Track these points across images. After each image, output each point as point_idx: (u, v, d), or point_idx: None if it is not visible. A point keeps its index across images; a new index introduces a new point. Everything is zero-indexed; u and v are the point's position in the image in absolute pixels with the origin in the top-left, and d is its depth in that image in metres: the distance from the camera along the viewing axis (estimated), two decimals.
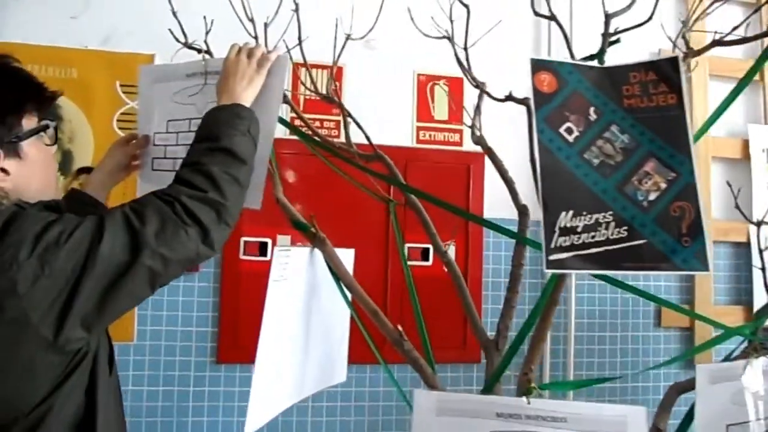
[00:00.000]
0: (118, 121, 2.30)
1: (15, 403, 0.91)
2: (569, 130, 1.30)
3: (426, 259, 2.51)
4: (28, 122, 1.02)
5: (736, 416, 1.41)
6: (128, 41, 2.31)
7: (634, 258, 1.22)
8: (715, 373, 1.43)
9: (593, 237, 1.23)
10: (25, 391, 0.92)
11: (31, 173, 1.02)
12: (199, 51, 1.36)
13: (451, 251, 2.58)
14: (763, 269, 1.59)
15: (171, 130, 1.47)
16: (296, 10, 1.89)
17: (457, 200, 2.49)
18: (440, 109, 2.55)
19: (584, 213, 1.24)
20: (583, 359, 2.66)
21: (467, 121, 1.97)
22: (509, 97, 1.22)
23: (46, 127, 1.06)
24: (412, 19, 2.09)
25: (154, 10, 2.41)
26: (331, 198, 2.35)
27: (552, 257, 1.21)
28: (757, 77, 2.86)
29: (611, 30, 1.37)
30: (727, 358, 1.52)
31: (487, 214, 2.54)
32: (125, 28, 2.32)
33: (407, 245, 2.52)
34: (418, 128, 2.53)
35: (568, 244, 1.22)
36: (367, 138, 1.87)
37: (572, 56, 1.38)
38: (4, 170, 0.96)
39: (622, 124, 1.31)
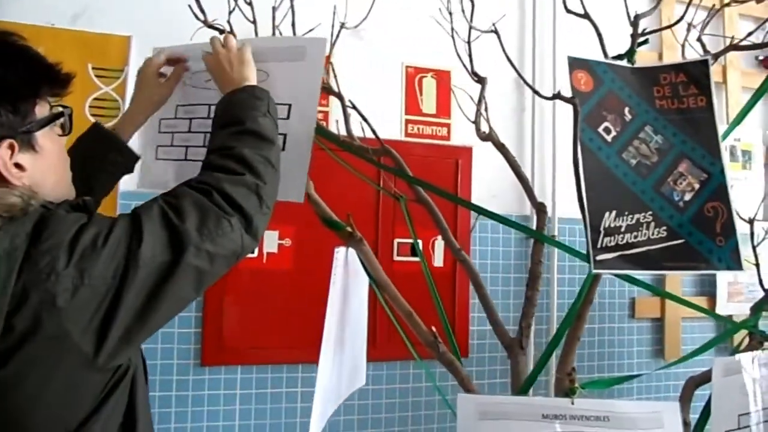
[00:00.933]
0: (90, 107, 2.12)
1: (55, 428, 0.81)
2: (607, 130, 1.30)
3: (415, 254, 2.48)
4: (41, 110, 0.89)
5: (745, 406, 1.47)
6: (101, 20, 2.13)
7: (673, 258, 1.23)
8: (729, 365, 1.47)
9: (635, 237, 1.24)
10: (66, 414, 0.82)
11: (47, 168, 0.89)
12: (222, 31, 1.26)
13: (439, 247, 2.57)
14: (757, 265, 1.66)
15: (181, 116, 1.36)
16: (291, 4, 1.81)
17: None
18: (428, 102, 2.51)
19: (626, 213, 1.24)
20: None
21: (470, 116, 1.94)
22: (557, 96, 1.20)
23: (61, 114, 0.92)
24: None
25: None
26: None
27: (599, 257, 1.20)
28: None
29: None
30: (734, 351, 1.58)
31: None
32: (97, 6, 2.13)
33: (396, 240, 2.48)
34: (407, 121, 2.49)
35: (613, 244, 1.22)
36: (373, 131, 1.81)
37: (605, 55, 1.37)
38: (19, 166, 0.84)
39: (655, 124, 1.32)
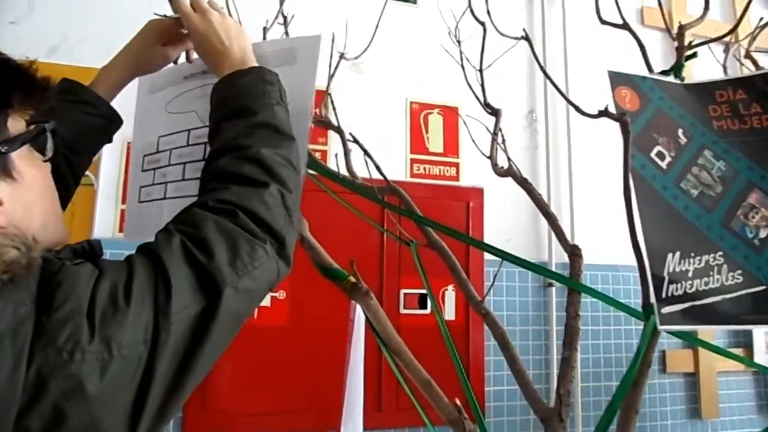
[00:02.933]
0: None
1: None
2: (661, 155, 1.09)
3: (424, 306, 2.23)
4: (15, 125, 0.66)
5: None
6: (80, 52, 1.96)
7: (756, 308, 1.00)
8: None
9: (706, 284, 1.01)
10: None
11: (32, 202, 0.67)
12: None
13: (450, 297, 2.33)
14: None
15: (163, 148, 1.15)
16: (285, 24, 1.65)
17: (455, 240, 2.25)
18: (435, 140, 2.32)
19: (692, 254, 1.02)
20: (590, 412, 2.43)
21: (485, 152, 1.75)
22: (603, 113, 1.00)
23: (42, 131, 0.70)
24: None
25: (110, 14, 2.11)
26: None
27: (665, 310, 0.97)
28: None
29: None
30: None
31: (488, 255, 2.30)
32: (76, 37, 1.97)
33: (402, 291, 2.24)
34: (412, 161, 2.29)
35: (680, 293, 0.99)
36: (378, 168, 1.61)
37: (650, 70, 1.18)
38: None
39: (714, 148, 1.12)
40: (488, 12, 1.43)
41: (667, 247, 1.01)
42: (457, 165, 2.36)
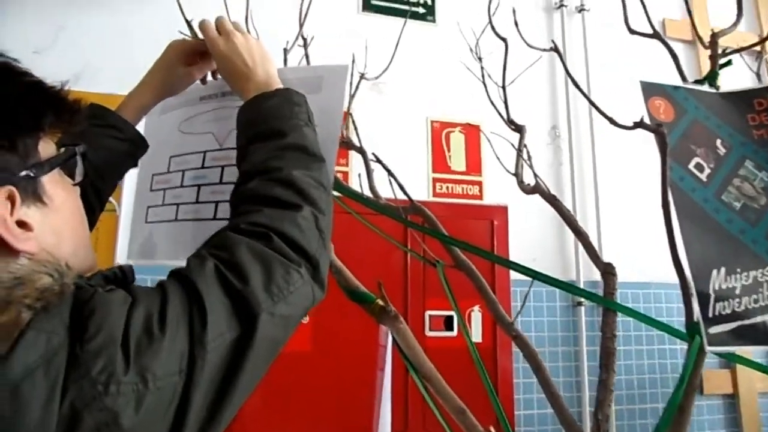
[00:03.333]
0: None
1: None
2: (699, 167, 1.04)
3: (450, 328, 2.18)
4: (46, 148, 0.64)
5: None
6: (103, 79, 1.97)
7: None
8: None
9: (756, 302, 0.95)
10: None
11: (62, 226, 0.65)
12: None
13: (477, 318, 2.27)
14: None
15: (174, 169, 1.14)
16: (305, 46, 1.64)
17: (481, 259, 2.20)
18: (457, 158, 2.29)
19: (738, 270, 0.96)
20: None
21: (509, 169, 1.72)
22: (639, 124, 0.95)
23: (73, 155, 0.68)
24: None
25: (129, 44, 2.14)
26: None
27: (713, 330, 0.91)
28: None
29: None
30: None
31: (515, 274, 2.25)
32: (98, 65, 1.99)
33: (428, 312, 2.19)
34: (434, 180, 2.26)
35: (728, 312, 0.93)
36: (401, 187, 1.58)
37: (683, 79, 1.14)
38: (23, 224, 0.59)
39: (756, 158, 1.07)
40: (516, 23, 1.40)
41: (711, 263, 0.96)
42: (480, 183, 2.32)
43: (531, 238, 2.30)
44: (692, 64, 2.62)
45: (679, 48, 2.76)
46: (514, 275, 2.25)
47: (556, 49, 1.12)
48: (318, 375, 1.98)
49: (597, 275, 2.38)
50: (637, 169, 2.52)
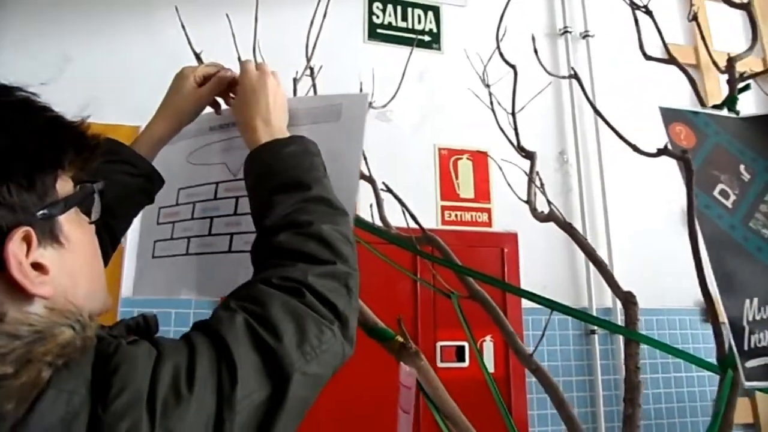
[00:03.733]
0: None
1: None
2: (724, 194, 1.01)
3: (461, 359, 2.13)
4: (63, 186, 0.60)
5: None
6: (109, 111, 1.96)
7: None
8: None
9: None
10: None
11: (78, 269, 0.61)
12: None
13: (489, 348, 2.23)
14: None
15: (184, 201, 1.11)
16: (312, 77, 1.63)
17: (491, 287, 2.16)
18: (466, 186, 2.26)
19: None
20: None
21: (517, 195, 1.70)
22: (663, 151, 0.93)
23: (91, 192, 0.65)
24: None
25: (137, 76, 2.14)
26: None
27: (750, 364, 0.87)
28: None
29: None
30: None
31: (526, 303, 2.21)
32: (105, 97, 1.98)
33: (439, 343, 2.14)
34: (443, 208, 2.23)
35: (764, 344, 0.89)
36: (413, 217, 1.56)
37: (702, 104, 1.12)
38: (39, 266, 0.55)
39: None
40: (535, 50, 1.39)
41: (743, 293, 0.92)
42: (489, 210, 2.29)
43: (540, 265, 2.27)
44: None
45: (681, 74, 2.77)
46: (525, 303, 2.21)
47: (576, 76, 1.10)
48: (330, 414, 1.92)
49: (609, 302, 2.35)
50: (646, 195, 2.50)
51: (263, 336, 0.58)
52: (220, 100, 1.01)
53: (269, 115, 0.84)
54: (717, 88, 2.56)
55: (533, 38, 1.30)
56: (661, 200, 2.46)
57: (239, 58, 1.40)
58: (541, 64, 1.42)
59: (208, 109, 1.05)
